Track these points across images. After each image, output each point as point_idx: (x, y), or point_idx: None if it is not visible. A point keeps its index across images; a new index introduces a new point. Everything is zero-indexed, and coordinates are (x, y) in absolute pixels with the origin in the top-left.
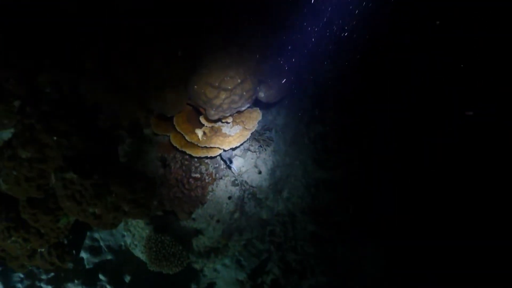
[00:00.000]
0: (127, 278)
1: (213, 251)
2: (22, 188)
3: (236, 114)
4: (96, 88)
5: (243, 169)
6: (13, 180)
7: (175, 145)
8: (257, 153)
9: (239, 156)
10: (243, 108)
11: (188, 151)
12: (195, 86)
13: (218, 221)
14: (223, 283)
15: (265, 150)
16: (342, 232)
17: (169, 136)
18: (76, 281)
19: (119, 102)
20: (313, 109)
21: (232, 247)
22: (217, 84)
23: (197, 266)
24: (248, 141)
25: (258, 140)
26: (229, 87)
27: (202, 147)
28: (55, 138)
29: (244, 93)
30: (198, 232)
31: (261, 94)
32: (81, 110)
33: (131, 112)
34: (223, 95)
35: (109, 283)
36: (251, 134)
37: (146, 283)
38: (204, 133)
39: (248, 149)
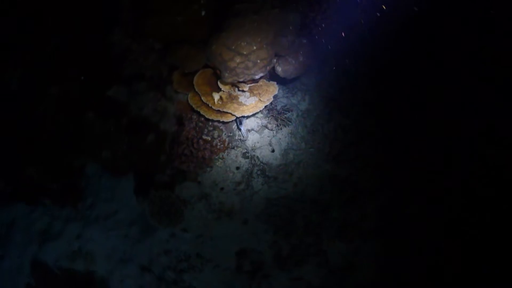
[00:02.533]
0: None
1: (210, 220)
2: None
3: (253, 85)
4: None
5: (257, 145)
6: None
7: (191, 104)
8: (274, 131)
9: (256, 131)
10: (256, 76)
11: (202, 112)
12: (213, 46)
13: (222, 188)
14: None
15: (281, 130)
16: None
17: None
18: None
19: (144, 52)
20: (340, 99)
21: (231, 221)
22: (233, 47)
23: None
24: (267, 119)
25: (276, 119)
26: (244, 52)
27: (216, 110)
28: None
29: (258, 61)
30: (201, 196)
31: (278, 69)
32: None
33: (153, 64)
34: (237, 59)
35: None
36: (270, 111)
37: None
38: (221, 98)
39: (266, 127)
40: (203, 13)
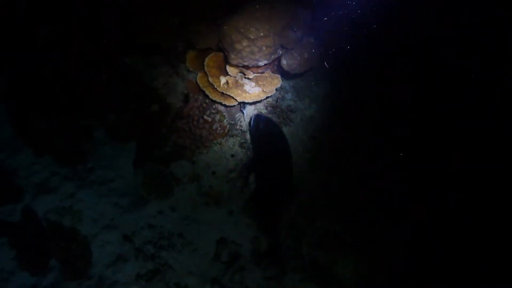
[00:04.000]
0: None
1: (198, 203)
2: None
3: (259, 76)
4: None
5: None
6: None
7: (199, 83)
8: None
9: None
10: (260, 63)
11: (207, 92)
12: (225, 27)
13: (214, 172)
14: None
15: (282, 129)
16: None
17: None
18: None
19: (163, 25)
20: (345, 112)
21: (217, 209)
22: (242, 30)
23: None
24: (271, 115)
25: (279, 117)
26: (252, 37)
27: (220, 92)
28: None
29: (264, 47)
30: (193, 177)
31: (284, 61)
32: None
33: (171, 37)
34: (244, 42)
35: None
36: (274, 108)
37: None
38: (227, 82)
39: None
40: None
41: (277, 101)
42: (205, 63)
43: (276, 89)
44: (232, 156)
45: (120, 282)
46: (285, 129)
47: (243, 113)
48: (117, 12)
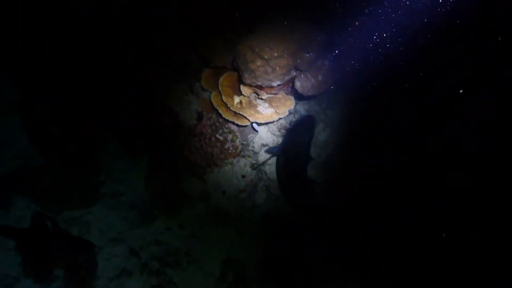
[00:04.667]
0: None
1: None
2: None
3: (273, 97)
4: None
5: (269, 161)
6: None
7: (212, 101)
8: None
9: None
10: (273, 84)
11: (220, 110)
12: (240, 46)
13: (224, 192)
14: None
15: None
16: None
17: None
18: None
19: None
20: (358, 138)
21: (225, 228)
22: (257, 50)
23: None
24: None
25: None
26: (266, 57)
27: (233, 111)
28: None
29: (277, 68)
30: (203, 195)
31: (297, 83)
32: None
33: (185, 52)
34: (258, 62)
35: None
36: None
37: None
38: (241, 102)
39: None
40: (237, 14)
41: (290, 124)
42: (219, 82)
43: (290, 112)
44: (243, 176)
45: None
46: None
47: (256, 130)
48: (139, 27)
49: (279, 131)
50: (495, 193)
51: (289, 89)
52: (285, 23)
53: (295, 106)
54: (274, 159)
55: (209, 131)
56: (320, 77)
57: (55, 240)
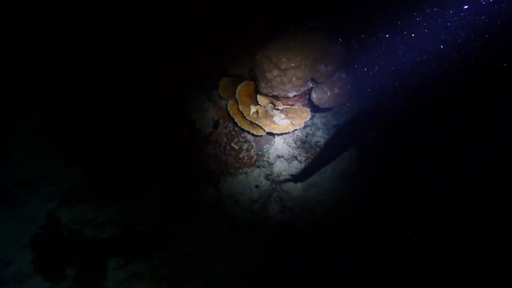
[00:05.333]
0: None
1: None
2: None
3: (289, 108)
4: None
5: (284, 173)
6: None
7: (229, 110)
8: (302, 164)
9: (285, 159)
10: (290, 94)
11: (236, 119)
12: (257, 55)
13: (237, 202)
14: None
15: None
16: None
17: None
18: None
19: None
20: (373, 153)
21: (240, 237)
22: (274, 60)
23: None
24: (299, 150)
25: (307, 152)
26: (282, 67)
27: (249, 121)
28: None
29: (294, 78)
30: (216, 204)
31: (314, 95)
32: None
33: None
34: (275, 72)
35: None
36: (303, 143)
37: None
38: (257, 111)
39: (296, 157)
40: (256, 24)
41: (306, 136)
42: (236, 91)
43: (308, 125)
44: (257, 186)
45: None
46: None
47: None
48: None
49: (295, 143)
50: None
51: (306, 101)
52: (303, 34)
53: (312, 119)
54: (288, 171)
55: (225, 139)
56: (336, 90)
57: (68, 239)
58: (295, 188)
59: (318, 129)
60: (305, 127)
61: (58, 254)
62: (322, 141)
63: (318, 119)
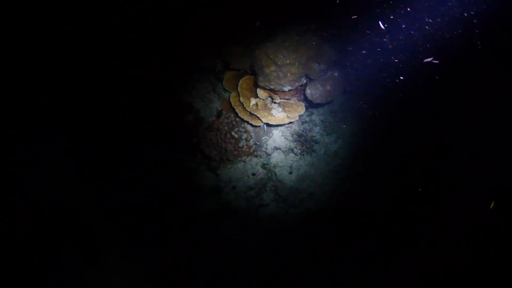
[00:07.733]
0: None
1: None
2: None
3: (286, 102)
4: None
5: (280, 164)
6: None
7: (231, 101)
8: (298, 157)
9: (282, 151)
10: (285, 88)
11: (237, 110)
12: (257, 52)
13: (234, 187)
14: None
15: (305, 158)
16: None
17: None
18: None
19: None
20: (367, 151)
21: (233, 225)
22: (271, 56)
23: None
24: (295, 143)
25: (302, 145)
26: (279, 63)
27: (248, 111)
28: None
29: (289, 74)
30: (215, 189)
31: (308, 91)
32: None
33: (210, 56)
34: (272, 67)
35: None
36: (299, 137)
37: None
38: (257, 104)
39: (292, 150)
40: (257, 24)
41: (303, 131)
42: (238, 84)
43: (306, 122)
44: (253, 174)
45: None
46: (308, 159)
47: (264, 130)
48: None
49: (292, 136)
50: None
51: (302, 96)
52: (299, 35)
53: (310, 116)
54: (284, 163)
55: (226, 128)
56: (328, 87)
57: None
58: (289, 178)
59: (315, 126)
60: (303, 123)
61: None
62: (318, 137)
63: (317, 117)
